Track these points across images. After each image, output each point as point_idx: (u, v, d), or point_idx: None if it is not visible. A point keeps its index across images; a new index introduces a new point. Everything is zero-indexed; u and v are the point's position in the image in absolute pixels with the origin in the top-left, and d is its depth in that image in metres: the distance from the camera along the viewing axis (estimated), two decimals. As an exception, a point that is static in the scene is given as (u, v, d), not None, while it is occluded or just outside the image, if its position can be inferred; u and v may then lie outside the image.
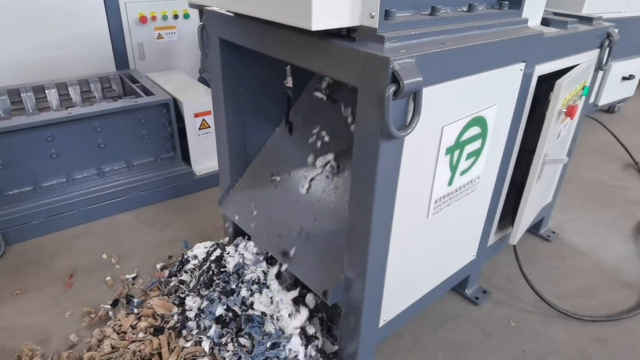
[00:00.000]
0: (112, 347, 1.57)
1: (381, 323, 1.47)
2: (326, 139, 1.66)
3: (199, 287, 1.65)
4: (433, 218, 1.39)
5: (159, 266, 2.03)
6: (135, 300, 1.83)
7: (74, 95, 2.76)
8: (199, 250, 1.76)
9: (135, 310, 1.77)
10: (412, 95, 1.05)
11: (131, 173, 2.54)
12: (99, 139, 2.40)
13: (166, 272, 1.90)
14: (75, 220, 2.36)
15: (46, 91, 2.69)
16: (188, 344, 1.50)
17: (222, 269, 1.65)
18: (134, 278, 2.01)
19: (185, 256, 1.82)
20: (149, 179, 2.54)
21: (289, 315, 1.46)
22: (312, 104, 1.75)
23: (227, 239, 1.80)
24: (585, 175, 3.05)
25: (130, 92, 2.76)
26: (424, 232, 1.41)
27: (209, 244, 1.75)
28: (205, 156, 2.67)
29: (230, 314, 1.53)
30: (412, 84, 1.00)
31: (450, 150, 1.29)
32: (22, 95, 2.63)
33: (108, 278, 1.99)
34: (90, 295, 1.92)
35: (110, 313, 1.79)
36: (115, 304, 1.86)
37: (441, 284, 1.70)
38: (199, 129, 2.61)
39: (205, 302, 1.58)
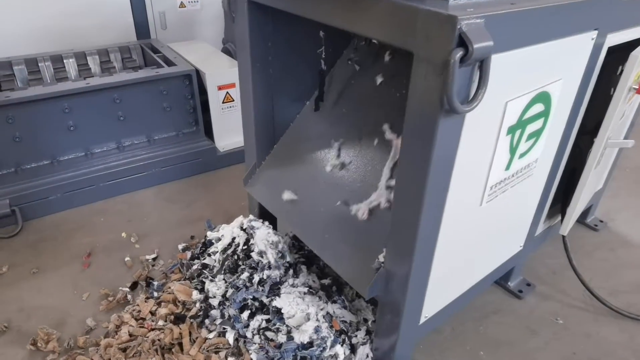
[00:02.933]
0: (130, 335, 1.47)
1: (422, 320, 1.33)
2: (362, 114, 1.50)
3: (223, 272, 1.54)
4: (486, 206, 1.23)
5: (180, 247, 1.93)
6: (155, 283, 1.73)
7: (93, 65, 2.64)
8: (225, 231, 1.63)
9: (155, 294, 1.67)
10: (479, 63, 0.89)
11: (152, 148, 2.42)
12: (119, 111, 2.28)
13: (188, 254, 1.79)
14: (94, 196, 2.27)
15: (64, 61, 2.58)
16: (211, 335, 1.40)
17: (248, 254, 1.53)
18: (154, 259, 1.91)
19: (209, 238, 1.70)
20: (171, 154, 2.42)
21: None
22: (347, 76, 1.58)
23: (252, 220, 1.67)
24: (635, 160, 2.83)
25: (152, 62, 2.63)
26: (474, 221, 1.25)
27: (235, 224, 1.63)
28: (229, 131, 2.54)
29: (256, 304, 1.41)
30: (481, 49, 0.83)
31: (511, 130, 1.12)
32: (39, 65, 2.52)
33: (127, 258, 1.89)
34: (108, 277, 1.83)
35: (129, 296, 1.70)
36: (134, 286, 1.76)
37: (486, 277, 1.55)
38: (223, 102, 2.47)
39: (230, 290, 1.46)
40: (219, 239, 1.64)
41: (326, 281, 1.52)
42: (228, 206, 2.24)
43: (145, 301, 1.61)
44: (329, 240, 1.36)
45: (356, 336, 1.41)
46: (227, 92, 2.46)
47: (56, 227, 2.12)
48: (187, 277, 1.67)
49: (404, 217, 1.08)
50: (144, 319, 1.54)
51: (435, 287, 1.27)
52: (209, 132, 2.55)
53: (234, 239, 1.58)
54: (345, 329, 1.36)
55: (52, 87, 2.10)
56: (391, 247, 1.17)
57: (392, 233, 1.14)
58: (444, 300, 1.39)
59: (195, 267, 1.65)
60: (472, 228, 1.26)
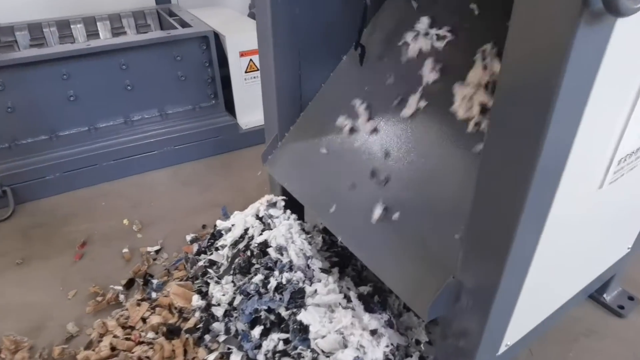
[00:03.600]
0: (113, 349, 1.15)
1: (502, 349, 0.94)
2: (419, 70, 1.11)
3: (232, 272, 1.19)
4: (607, 190, 0.83)
5: (188, 238, 1.60)
6: (155, 281, 1.41)
7: (103, 31, 2.35)
8: (236, 220, 1.29)
9: (154, 295, 1.35)
10: None
11: (165, 123, 2.10)
12: (126, 80, 1.98)
13: (195, 247, 1.46)
14: (97, 177, 1.97)
15: (72, 26, 2.30)
16: (211, 357, 1.05)
17: (265, 250, 1.18)
18: (156, 252, 1.59)
19: (218, 228, 1.36)
20: (186, 130, 2.10)
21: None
22: (398, 18, 1.19)
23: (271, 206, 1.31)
24: None
25: (168, 28, 2.31)
26: (588, 210, 0.85)
27: (250, 211, 1.28)
28: (252, 106, 2.19)
29: (272, 317, 1.06)
30: None
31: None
32: (44, 30, 2.25)
33: (125, 250, 1.58)
34: (101, 271, 1.52)
35: (122, 297, 1.38)
36: (129, 284, 1.44)
37: (583, 289, 1.14)
38: (246, 72, 2.13)
39: (239, 297, 1.11)
40: (229, 230, 1.29)
41: (366, 289, 1.16)
42: (250, 192, 1.90)
43: (138, 305, 1.28)
44: (373, 238, 0.99)
45: (406, 365, 1.04)
46: (251, 60, 2.11)
47: (52, 211, 1.83)
48: (190, 275, 1.34)
49: (495, 203, 0.69)
50: (132, 328, 1.22)
51: (525, 305, 0.88)
52: (230, 107, 2.21)
53: (247, 230, 1.24)
54: (391, 358, 0.99)
55: (48, 49, 1.81)
56: (469, 249, 0.78)
57: (472, 229, 0.75)
58: (532, 321, 1.00)
59: (200, 263, 1.32)
60: (583, 221, 0.87)
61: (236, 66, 2.10)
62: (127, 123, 2.05)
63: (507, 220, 0.67)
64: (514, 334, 0.94)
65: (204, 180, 2.00)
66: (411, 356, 1.09)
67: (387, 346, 0.97)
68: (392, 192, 1.01)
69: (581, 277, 1.10)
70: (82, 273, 1.52)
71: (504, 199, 0.67)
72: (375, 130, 1.10)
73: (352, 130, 1.16)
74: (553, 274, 0.92)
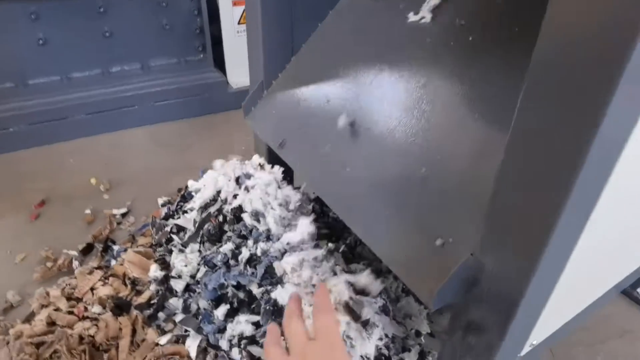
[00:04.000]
0: (52, 323, 0.96)
1: (526, 349, 0.75)
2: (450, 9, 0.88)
3: (199, 241, 0.99)
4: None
5: (160, 201, 1.40)
6: (116, 247, 1.21)
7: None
8: (208, 179, 1.09)
9: (113, 262, 1.15)
10: None
11: (147, 77, 1.89)
12: (104, 26, 1.76)
13: (164, 211, 1.26)
14: (68, 131, 1.77)
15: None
16: (164, 339, 0.86)
17: (239, 214, 0.97)
18: (123, 215, 1.39)
19: (189, 189, 1.16)
20: (170, 85, 1.89)
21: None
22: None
23: (250, 164, 1.11)
24: None
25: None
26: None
27: (225, 171, 1.08)
28: (245, 62, 1.96)
29: (242, 295, 0.86)
30: None
31: None
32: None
33: (87, 211, 1.39)
34: (58, 233, 1.33)
35: (76, 263, 1.19)
36: (87, 250, 1.25)
37: (620, 282, 0.94)
38: (239, 23, 1.90)
39: (203, 269, 0.92)
40: (199, 190, 1.09)
41: (358, 267, 0.96)
42: (236, 154, 1.69)
43: (89, 273, 1.09)
44: (371, 208, 0.78)
45: (402, 361, 0.85)
46: (245, 10, 1.88)
47: (15, 165, 1.63)
48: (155, 242, 1.14)
49: (536, 168, 0.49)
50: (79, 300, 1.02)
51: (558, 297, 0.68)
52: (220, 64, 1.99)
53: (219, 192, 1.03)
54: (385, 352, 0.79)
55: (13, -19, 1.59)
56: (496, 223, 0.58)
57: (501, 199, 0.55)
58: (562, 318, 0.80)
59: (167, 228, 1.12)
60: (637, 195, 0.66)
61: (228, 17, 1.88)
62: (104, 74, 1.84)
63: (555, 191, 0.46)
64: (541, 331, 0.74)
65: (185, 141, 1.79)
66: (409, 350, 0.89)
67: (381, 339, 0.78)
68: (397, 150, 0.80)
69: (620, 268, 0.90)
70: (36, 235, 1.33)
71: (550, 164, 0.46)
72: (380, 74, 0.89)
73: (354, 76, 0.94)
74: (594, 262, 0.72)
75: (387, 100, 0.83)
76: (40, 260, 1.23)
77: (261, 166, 1.05)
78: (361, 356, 0.76)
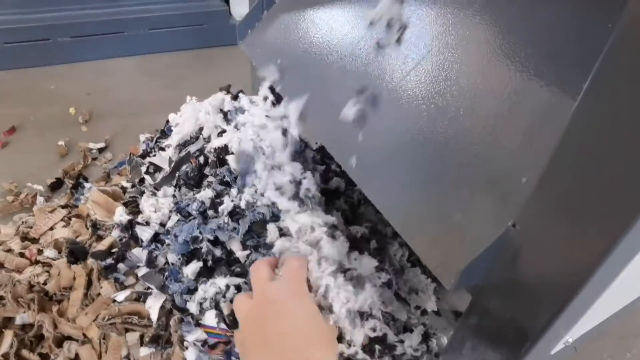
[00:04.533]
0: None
1: (559, 347, 0.61)
2: None
3: (175, 185, 0.84)
4: None
5: (142, 137, 1.24)
6: (87, 185, 1.07)
7: None
8: (188, 111, 0.92)
9: (82, 201, 1.01)
10: None
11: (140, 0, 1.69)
12: None
13: (142, 148, 1.10)
14: (49, 55, 1.59)
15: None
16: (121, 296, 0.72)
17: (224, 156, 0.82)
18: (100, 150, 1.24)
19: (169, 124, 1.00)
20: (166, 11, 1.69)
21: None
22: None
23: (240, 97, 0.94)
24: None
25: None
26: None
27: (210, 103, 0.91)
28: (251, -8, 1.75)
29: (220, 252, 0.72)
30: None
31: None
32: None
33: (61, 143, 1.23)
34: (27, 165, 1.18)
35: (41, 199, 1.05)
36: (57, 185, 1.11)
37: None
38: (247, -56, 1.68)
39: (175, 217, 0.77)
40: (177, 124, 0.93)
41: (360, 229, 0.80)
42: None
43: (51, 211, 0.95)
44: (384, 164, 0.62)
45: (402, 344, 0.71)
46: None
47: (-16, 88, 1.47)
48: (128, 180, 0.99)
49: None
50: (35, 241, 0.88)
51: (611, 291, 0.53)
52: (223, -10, 1.79)
53: (201, 129, 0.87)
54: (380, 333, 0.65)
55: None
56: (557, 194, 0.42)
57: (565, 170, 0.39)
58: (603, 313, 0.66)
59: (143, 168, 0.96)
60: None
61: None
62: (93, -7, 1.64)
63: None
64: (580, 328, 0.60)
65: (177, 74, 1.61)
66: (411, 330, 0.76)
67: (374, 330, 0.63)
68: (420, 98, 0.63)
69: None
70: (2, 165, 1.18)
71: None
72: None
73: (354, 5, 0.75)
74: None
75: (411, 40, 0.65)
76: (2, 193, 1.09)
77: (252, 102, 0.88)
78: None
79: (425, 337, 0.77)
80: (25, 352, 0.73)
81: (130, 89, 1.52)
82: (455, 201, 0.52)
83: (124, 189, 0.96)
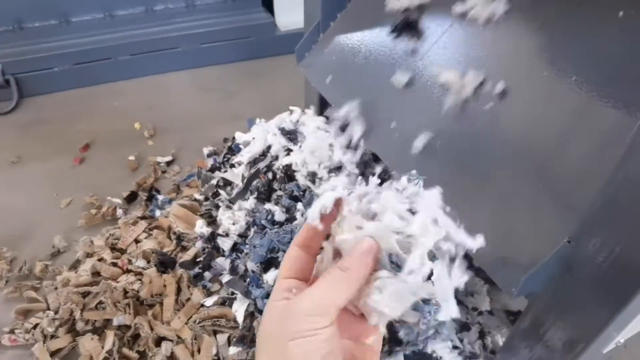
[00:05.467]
0: (97, 273, 0.94)
1: (610, 346, 0.66)
2: None
3: (248, 197, 0.93)
4: None
5: (206, 151, 1.34)
6: (160, 197, 1.17)
7: None
8: (258, 131, 1.01)
9: (157, 213, 1.12)
10: None
11: (192, 16, 1.79)
12: (148, -41, 1.65)
13: (210, 162, 1.20)
14: (111, 72, 1.72)
15: None
16: (209, 301, 0.82)
17: (292, 173, 0.90)
18: (168, 163, 1.35)
19: (237, 141, 1.09)
20: (215, 26, 1.78)
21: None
22: None
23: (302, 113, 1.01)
24: None
25: None
26: None
27: (274, 123, 1.00)
28: (297, 2, 1.83)
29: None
30: None
31: None
32: None
33: (131, 158, 1.35)
34: (102, 179, 1.30)
35: (120, 211, 1.16)
36: (131, 198, 1.22)
37: None
38: (291, -43, 1.76)
39: (252, 230, 0.86)
40: (249, 144, 1.02)
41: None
42: (284, 105, 1.60)
43: (133, 224, 1.06)
44: (449, 179, 0.68)
45: (462, 342, 0.78)
46: (298, -57, 1.72)
47: (58, 107, 1.61)
48: (200, 195, 1.09)
49: None
50: (123, 251, 0.99)
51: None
52: (268, 2, 1.86)
53: (269, 147, 0.96)
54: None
55: None
56: (618, 206, 0.48)
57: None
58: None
59: (213, 181, 1.06)
60: None
61: (279, -50, 1.73)
62: (148, 12, 1.76)
63: None
64: (631, 329, 0.65)
65: (230, 86, 1.71)
66: (469, 329, 0.82)
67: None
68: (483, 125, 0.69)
69: None
70: (81, 180, 1.31)
71: None
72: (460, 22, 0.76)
73: (431, 20, 0.82)
74: None
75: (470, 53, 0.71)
76: (84, 206, 1.21)
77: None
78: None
79: (481, 335, 0.83)
80: (126, 350, 0.83)
81: (187, 103, 1.63)
82: (517, 215, 0.59)
83: (198, 201, 1.05)
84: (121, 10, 1.73)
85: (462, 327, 0.83)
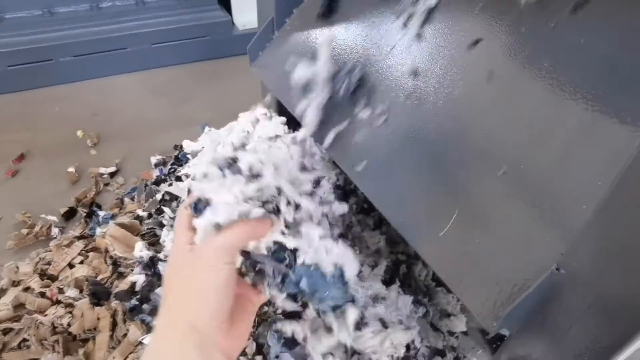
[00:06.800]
0: (18, 306, 0.81)
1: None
2: None
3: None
4: None
5: (154, 160, 1.22)
6: (102, 213, 1.05)
7: None
8: (207, 140, 0.90)
9: (98, 231, 0.99)
10: None
11: (141, 13, 1.67)
12: (91, -49, 1.52)
13: (155, 174, 1.09)
14: (52, 75, 1.57)
15: None
16: (148, 339, 0.71)
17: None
18: (111, 175, 1.22)
19: (184, 150, 0.98)
20: (167, 25, 1.66)
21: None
22: None
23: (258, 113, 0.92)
24: None
25: None
26: None
27: (229, 130, 0.89)
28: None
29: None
30: None
31: None
32: None
33: (71, 169, 1.22)
34: (38, 194, 1.17)
35: (56, 230, 1.03)
36: (70, 214, 1.09)
37: None
38: (247, -47, 1.66)
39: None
40: (196, 154, 0.91)
41: (391, 257, 0.79)
42: (241, 108, 1.50)
43: (68, 245, 0.93)
44: (411, 194, 0.60)
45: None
46: (254, -63, 1.62)
47: (-9, 113, 1.45)
48: (144, 209, 0.98)
49: None
50: (54, 278, 0.87)
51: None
52: (225, 0, 1.76)
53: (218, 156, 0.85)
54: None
55: None
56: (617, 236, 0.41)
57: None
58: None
59: (158, 196, 0.95)
60: None
61: (234, -56, 1.63)
62: (93, 9, 1.62)
63: None
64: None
65: (183, 90, 1.59)
66: (444, 356, 0.74)
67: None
68: (445, 140, 0.61)
69: None
70: (13, 195, 1.17)
71: None
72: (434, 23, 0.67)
73: (393, 15, 0.73)
74: None
75: (442, 60, 0.63)
76: (16, 225, 1.08)
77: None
78: None
79: (457, 361, 0.76)
80: (53, 397, 0.72)
81: (136, 108, 1.50)
82: (496, 244, 0.51)
83: (140, 219, 0.94)
84: (63, 7, 1.59)
85: (436, 353, 0.75)
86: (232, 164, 0.50)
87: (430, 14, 0.64)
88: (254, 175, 0.49)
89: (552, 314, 0.47)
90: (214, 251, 0.42)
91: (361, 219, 0.88)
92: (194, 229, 0.44)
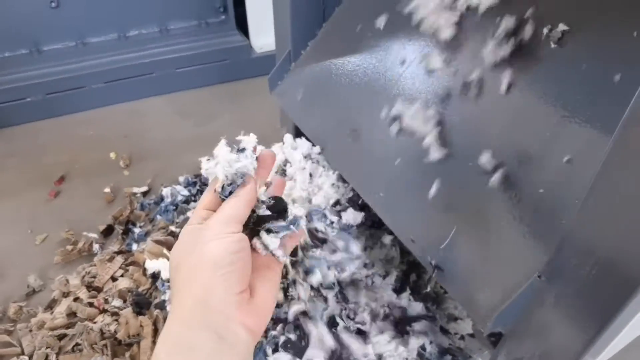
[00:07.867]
0: (70, 314, 0.91)
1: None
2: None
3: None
4: None
5: (181, 179, 1.33)
6: (137, 230, 1.16)
7: None
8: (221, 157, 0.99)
9: (134, 247, 1.10)
10: None
11: (165, 41, 1.78)
12: (119, -14, 1.64)
13: (184, 192, 1.19)
14: (85, 101, 1.69)
15: None
16: (187, 341, 0.81)
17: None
18: (144, 194, 1.33)
19: (205, 169, 1.07)
20: (190, 50, 1.77)
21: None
22: None
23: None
24: None
25: None
26: None
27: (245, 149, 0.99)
28: (270, 22, 1.83)
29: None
30: None
31: None
32: None
33: (107, 190, 1.33)
34: (78, 212, 1.27)
35: (96, 246, 1.14)
36: (108, 231, 1.20)
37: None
38: (262, -20, 1.76)
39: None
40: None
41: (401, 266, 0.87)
42: (262, 126, 1.58)
43: (110, 260, 1.04)
44: (412, 209, 0.69)
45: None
46: (269, -34, 1.73)
47: (31, 138, 1.58)
48: (176, 227, 1.07)
49: None
50: (99, 289, 0.97)
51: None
52: (242, 25, 1.87)
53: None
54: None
55: (20, -62, 1.48)
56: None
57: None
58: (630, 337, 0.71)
59: (189, 214, 1.05)
60: None
61: (251, -27, 1.74)
62: (121, 39, 1.74)
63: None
64: (607, 354, 0.65)
65: (206, 110, 1.70)
66: (453, 356, 0.82)
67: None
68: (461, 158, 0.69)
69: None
70: (57, 214, 1.28)
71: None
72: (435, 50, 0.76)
73: (401, 48, 0.82)
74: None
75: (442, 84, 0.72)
76: (61, 242, 1.19)
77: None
78: None
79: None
80: (104, 395, 0.81)
81: (164, 129, 1.61)
82: (490, 254, 0.59)
83: (173, 235, 1.04)
84: (93, 37, 1.71)
85: (445, 353, 0.82)
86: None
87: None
88: None
89: (535, 317, 0.55)
90: (223, 219, 0.43)
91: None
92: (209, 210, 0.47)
